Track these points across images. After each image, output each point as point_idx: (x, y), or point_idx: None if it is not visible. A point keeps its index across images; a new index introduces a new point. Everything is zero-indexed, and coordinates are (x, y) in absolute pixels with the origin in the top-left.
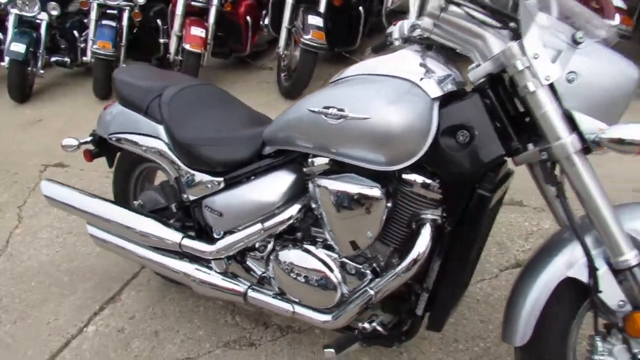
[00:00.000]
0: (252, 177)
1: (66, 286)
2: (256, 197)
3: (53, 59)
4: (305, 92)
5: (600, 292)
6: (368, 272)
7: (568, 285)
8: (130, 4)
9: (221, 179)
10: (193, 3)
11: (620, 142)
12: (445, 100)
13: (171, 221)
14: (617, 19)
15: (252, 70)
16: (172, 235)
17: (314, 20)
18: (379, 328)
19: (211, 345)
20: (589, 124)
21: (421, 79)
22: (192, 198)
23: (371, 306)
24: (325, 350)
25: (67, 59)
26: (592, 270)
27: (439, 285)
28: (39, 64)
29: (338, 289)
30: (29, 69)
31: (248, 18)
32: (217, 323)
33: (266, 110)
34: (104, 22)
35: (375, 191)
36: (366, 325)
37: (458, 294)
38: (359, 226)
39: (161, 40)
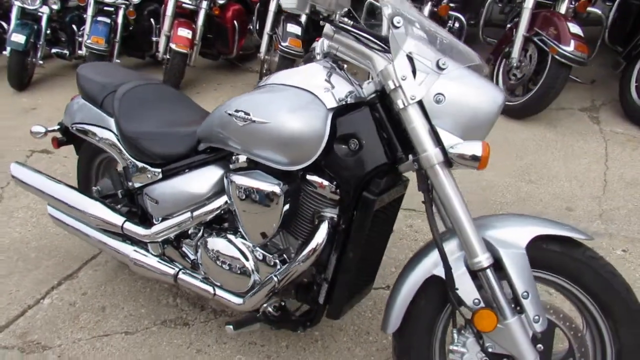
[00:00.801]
0: (186, 170)
1: (32, 262)
2: (187, 189)
3: (53, 50)
4: None
5: (457, 289)
6: (278, 261)
7: (436, 283)
8: (126, 2)
9: (159, 170)
10: (184, 5)
11: (463, 157)
12: (344, 112)
13: (120, 207)
14: (572, 45)
15: (238, 73)
16: (116, 219)
17: (293, 28)
18: (275, 312)
19: (149, 323)
20: (450, 140)
21: (322, 90)
22: (136, 186)
23: (278, 292)
24: (226, 326)
25: (66, 51)
26: (447, 268)
27: (336, 277)
28: (39, 54)
29: (252, 276)
30: (29, 59)
31: (235, 22)
32: (159, 303)
33: None
34: (99, 18)
35: (275, 188)
36: (270, 309)
37: (356, 287)
38: (261, 219)
39: (153, 39)
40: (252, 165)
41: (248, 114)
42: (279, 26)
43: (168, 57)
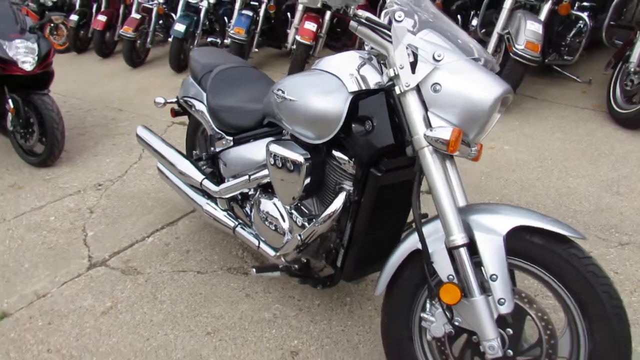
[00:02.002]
0: (251, 140)
1: (147, 208)
2: (248, 155)
3: (208, 39)
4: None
5: (432, 262)
6: (305, 223)
7: (421, 256)
8: None
9: (231, 138)
10: None
11: (435, 140)
12: (365, 96)
13: (204, 168)
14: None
15: None
16: (197, 176)
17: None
18: (298, 267)
19: (217, 267)
20: (439, 125)
21: (347, 76)
22: (216, 150)
23: (304, 249)
24: (251, 269)
25: (218, 40)
26: (423, 244)
27: (350, 244)
28: (195, 42)
29: (286, 234)
30: (187, 45)
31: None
32: (229, 253)
33: None
34: (243, 11)
35: (298, 157)
36: (295, 265)
37: (372, 257)
38: (287, 183)
39: (288, 31)
40: (293, 139)
41: (283, 93)
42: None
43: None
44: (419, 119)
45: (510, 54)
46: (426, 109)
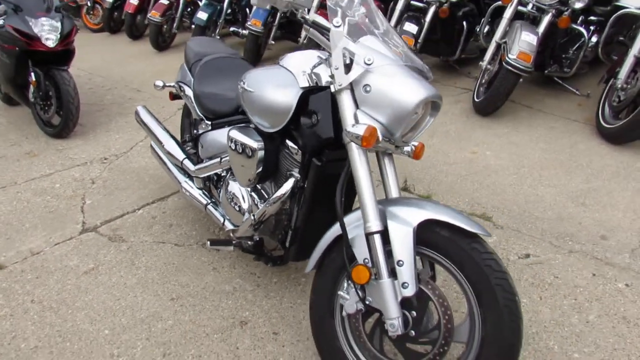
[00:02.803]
0: (225, 125)
1: (143, 183)
2: (220, 139)
3: (231, 28)
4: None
5: (352, 247)
6: (262, 205)
7: None
8: None
9: (210, 122)
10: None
11: (352, 135)
12: (316, 92)
13: (188, 149)
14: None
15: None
16: (179, 156)
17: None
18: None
19: (194, 242)
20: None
21: (300, 73)
22: (198, 133)
23: (258, 228)
24: (207, 241)
25: (240, 30)
26: (343, 229)
27: (296, 226)
28: (217, 30)
29: (245, 214)
30: (209, 33)
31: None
32: (207, 230)
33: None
34: None
35: (252, 143)
36: (249, 242)
37: (314, 237)
38: (243, 167)
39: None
40: (255, 127)
41: (244, 84)
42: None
43: None
44: (350, 116)
45: (503, 63)
46: (357, 107)
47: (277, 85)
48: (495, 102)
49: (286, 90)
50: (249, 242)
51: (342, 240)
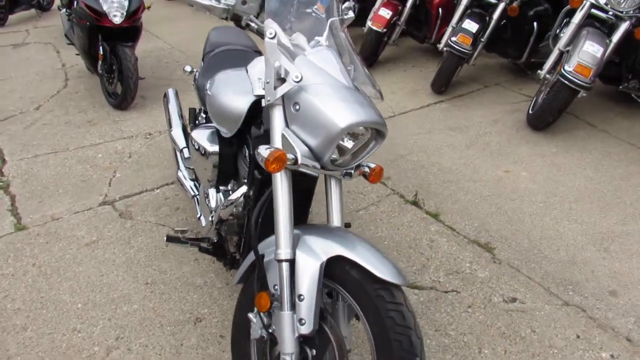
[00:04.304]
0: None
1: (170, 164)
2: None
3: None
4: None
5: (267, 270)
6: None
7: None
8: None
9: (205, 115)
10: None
11: (259, 156)
12: None
13: None
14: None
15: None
16: (180, 143)
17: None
18: (208, 245)
19: (190, 229)
20: (296, 145)
21: (256, 80)
22: (197, 125)
23: (218, 229)
24: (166, 235)
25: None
26: (256, 252)
27: (246, 233)
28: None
29: (212, 212)
30: None
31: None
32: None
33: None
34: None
35: (208, 146)
36: (205, 242)
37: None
38: (202, 167)
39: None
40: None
41: (206, 85)
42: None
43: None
44: (276, 133)
45: (558, 75)
46: (287, 125)
47: (234, 91)
48: (546, 117)
49: (240, 97)
50: (207, 243)
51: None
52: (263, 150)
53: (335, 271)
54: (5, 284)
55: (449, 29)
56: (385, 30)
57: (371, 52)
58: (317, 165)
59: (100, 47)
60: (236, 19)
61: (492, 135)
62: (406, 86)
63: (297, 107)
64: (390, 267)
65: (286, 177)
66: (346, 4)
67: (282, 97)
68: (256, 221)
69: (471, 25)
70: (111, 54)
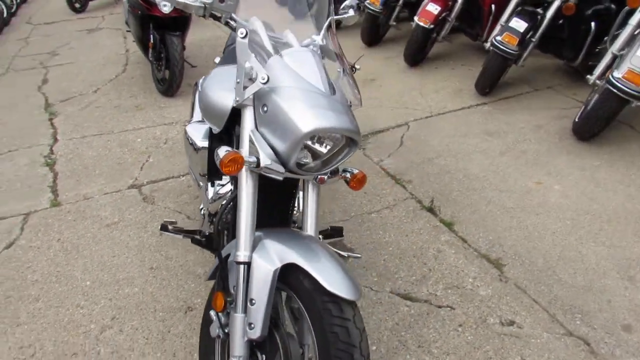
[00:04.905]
0: None
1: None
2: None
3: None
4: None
5: (225, 270)
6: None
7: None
8: None
9: None
10: None
11: (217, 157)
12: None
13: None
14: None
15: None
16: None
17: None
18: (201, 238)
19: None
20: (262, 148)
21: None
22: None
23: (212, 222)
24: (160, 225)
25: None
26: (219, 255)
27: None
28: (393, 16)
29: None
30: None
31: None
32: None
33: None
34: None
35: (198, 141)
36: (198, 234)
37: None
38: (194, 161)
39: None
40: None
41: (200, 81)
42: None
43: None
44: (245, 134)
45: (606, 82)
46: (257, 127)
47: (222, 87)
48: (591, 127)
49: (227, 93)
50: (199, 235)
51: None
52: (221, 151)
53: (291, 278)
54: (30, 255)
55: (498, 27)
56: (433, 26)
57: (418, 49)
58: (282, 169)
59: (151, 36)
60: (214, 17)
61: (531, 142)
62: (450, 85)
63: (265, 108)
64: (345, 281)
65: (251, 179)
66: (346, 2)
67: (253, 98)
68: (219, 220)
69: (519, 24)
70: (160, 43)
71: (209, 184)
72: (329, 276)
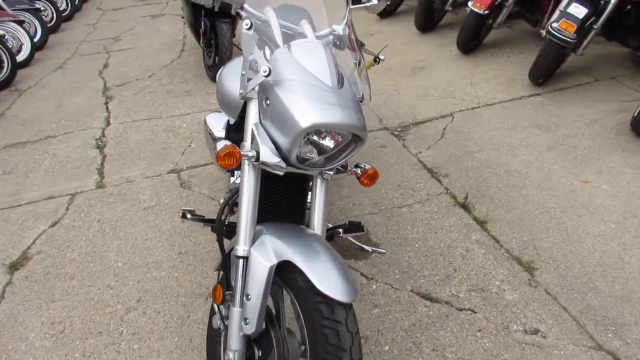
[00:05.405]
0: None
1: None
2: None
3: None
4: None
5: (227, 263)
6: None
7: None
8: None
9: None
10: None
11: (214, 149)
12: None
13: None
14: None
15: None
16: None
17: None
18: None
19: None
20: (263, 141)
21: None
22: None
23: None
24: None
25: None
26: (221, 249)
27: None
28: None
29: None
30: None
31: None
32: None
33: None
34: None
35: (215, 132)
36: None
37: None
38: (211, 149)
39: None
40: None
41: (222, 71)
42: None
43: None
44: (248, 128)
45: None
46: (259, 118)
47: (238, 78)
48: None
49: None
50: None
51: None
52: (219, 145)
53: (286, 274)
54: (72, 235)
55: (556, 13)
56: (487, 12)
57: (471, 36)
58: (282, 164)
59: (202, 22)
60: (225, 7)
61: (583, 137)
62: (504, 74)
63: (268, 101)
64: (340, 282)
65: (253, 173)
66: None
67: (258, 90)
68: (221, 213)
69: (578, 10)
70: (211, 29)
71: (229, 174)
72: (323, 276)
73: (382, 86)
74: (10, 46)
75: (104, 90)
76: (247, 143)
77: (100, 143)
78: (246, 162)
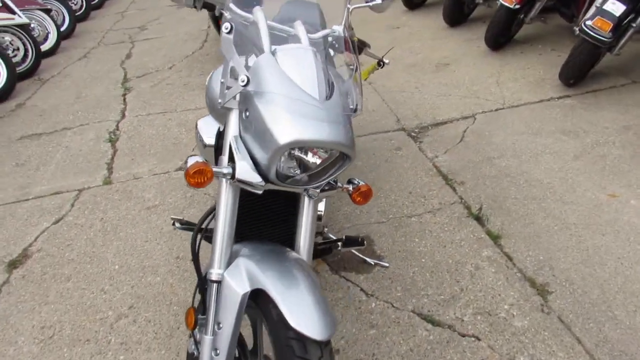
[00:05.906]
0: None
1: None
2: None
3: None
4: None
5: (204, 285)
6: None
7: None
8: None
9: None
10: None
11: (185, 164)
12: None
13: None
14: None
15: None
16: None
17: None
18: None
19: None
20: (239, 158)
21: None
22: None
23: None
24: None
25: None
26: (197, 269)
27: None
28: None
29: None
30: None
31: None
32: None
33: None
34: None
35: (204, 138)
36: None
37: None
38: (202, 155)
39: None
40: None
41: (212, 75)
42: None
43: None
44: (226, 142)
45: None
46: (239, 130)
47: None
48: None
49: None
50: (209, 232)
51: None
52: (189, 161)
53: (262, 302)
54: (73, 233)
55: (592, 9)
56: (518, 6)
57: (501, 31)
58: (261, 182)
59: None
60: (208, 7)
61: (614, 145)
62: (533, 73)
63: (247, 113)
64: (316, 317)
65: (231, 191)
66: None
67: (239, 100)
68: (198, 231)
69: (615, 7)
70: None
71: None
72: (298, 310)
73: (403, 83)
74: (36, 35)
75: (123, 82)
76: (225, 157)
77: (113, 137)
78: (223, 180)
